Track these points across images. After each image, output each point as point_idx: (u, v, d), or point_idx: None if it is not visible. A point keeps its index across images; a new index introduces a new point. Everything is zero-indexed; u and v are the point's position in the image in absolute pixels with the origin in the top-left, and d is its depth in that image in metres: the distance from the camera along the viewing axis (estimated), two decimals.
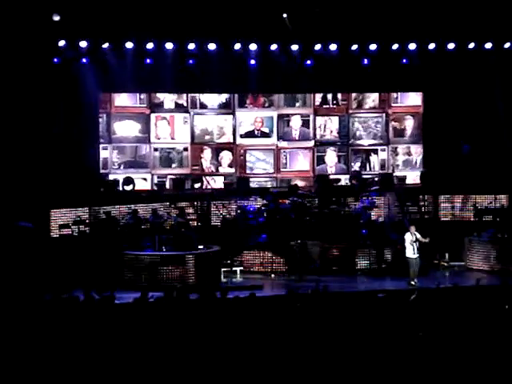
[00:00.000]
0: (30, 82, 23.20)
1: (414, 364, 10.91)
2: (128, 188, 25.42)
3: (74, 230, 22.34)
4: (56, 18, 22.77)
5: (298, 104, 31.80)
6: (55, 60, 24.13)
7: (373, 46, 26.25)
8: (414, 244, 20.67)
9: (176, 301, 14.17)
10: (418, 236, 20.73)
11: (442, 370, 10.74)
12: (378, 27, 24.98)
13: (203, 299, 14.45)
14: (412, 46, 25.93)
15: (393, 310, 13.69)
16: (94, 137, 26.57)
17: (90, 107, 25.85)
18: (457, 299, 14.81)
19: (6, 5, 22.26)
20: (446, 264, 22.96)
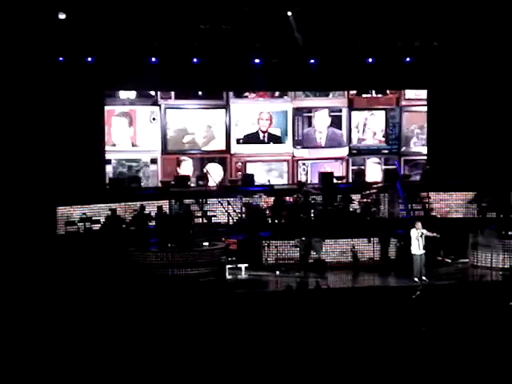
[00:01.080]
0: (35, 81, 23.33)
1: (418, 358, 11.02)
2: (134, 185, 25.33)
3: (80, 227, 22.44)
4: (62, 16, 22.86)
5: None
6: (60, 58, 24.19)
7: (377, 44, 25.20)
8: (419, 240, 20.66)
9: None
10: (425, 232, 20.70)
11: (444, 365, 10.83)
12: (382, 26, 24.81)
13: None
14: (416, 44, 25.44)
15: (396, 306, 13.89)
16: (98, 135, 25.75)
17: (95, 105, 25.33)
18: (460, 295, 15.00)
19: (12, 3, 22.43)
20: (450, 261, 23.02)
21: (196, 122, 23.65)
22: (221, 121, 23.58)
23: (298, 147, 23.87)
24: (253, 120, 23.98)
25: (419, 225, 20.88)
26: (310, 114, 23.98)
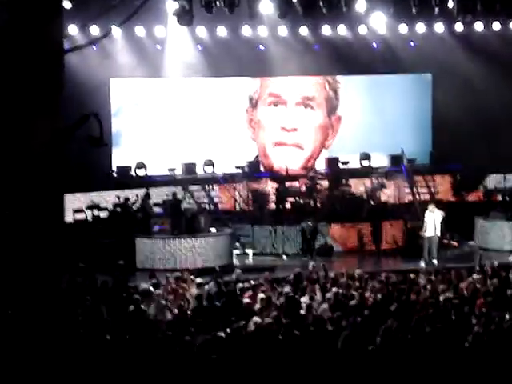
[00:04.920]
0: (40, 69, 23.32)
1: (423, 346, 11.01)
2: (140, 172, 25.26)
3: (88, 214, 22.54)
4: (67, 4, 22.85)
5: None
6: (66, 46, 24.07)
7: (382, 30, 25.22)
8: (432, 222, 20.80)
9: None
10: (438, 213, 20.79)
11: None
12: (387, 9, 24.60)
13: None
14: (420, 28, 25.36)
15: (402, 289, 13.97)
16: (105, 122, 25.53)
17: (100, 93, 25.15)
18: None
19: None
20: (456, 244, 23.07)
21: None
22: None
23: None
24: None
25: (432, 207, 20.92)
26: None
